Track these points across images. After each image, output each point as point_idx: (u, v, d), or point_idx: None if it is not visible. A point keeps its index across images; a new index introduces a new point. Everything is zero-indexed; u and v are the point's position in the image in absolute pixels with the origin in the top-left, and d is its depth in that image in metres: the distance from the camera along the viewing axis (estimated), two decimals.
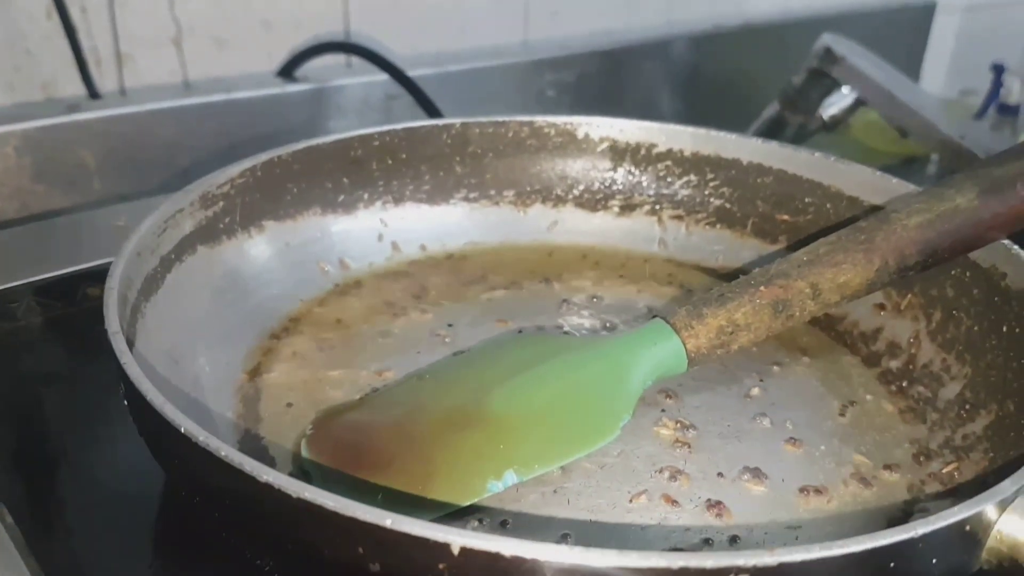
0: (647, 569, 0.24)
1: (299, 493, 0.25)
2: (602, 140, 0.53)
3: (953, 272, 0.42)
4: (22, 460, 0.38)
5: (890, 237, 0.38)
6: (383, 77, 0.69)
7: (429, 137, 0.52)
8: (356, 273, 0.49)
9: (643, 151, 0.53)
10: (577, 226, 0.53)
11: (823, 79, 0.70)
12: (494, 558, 0.24)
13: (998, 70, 0.89)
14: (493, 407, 0.35)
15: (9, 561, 0.30)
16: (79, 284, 0.48)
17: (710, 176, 0.52)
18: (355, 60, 0.72)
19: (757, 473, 0.35)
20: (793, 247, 0.49)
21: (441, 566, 0.24)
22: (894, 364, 0.43)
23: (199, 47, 0.66)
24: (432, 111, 0.68)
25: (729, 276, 0.50)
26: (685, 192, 0.53)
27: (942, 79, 1.08)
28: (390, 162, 0.51)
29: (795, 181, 0.50)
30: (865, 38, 0.75)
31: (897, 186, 0.46)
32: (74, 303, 0.47)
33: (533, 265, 0.51)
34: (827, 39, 0.70)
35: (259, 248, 0.46)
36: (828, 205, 0.48)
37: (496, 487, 0.33)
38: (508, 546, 0.24)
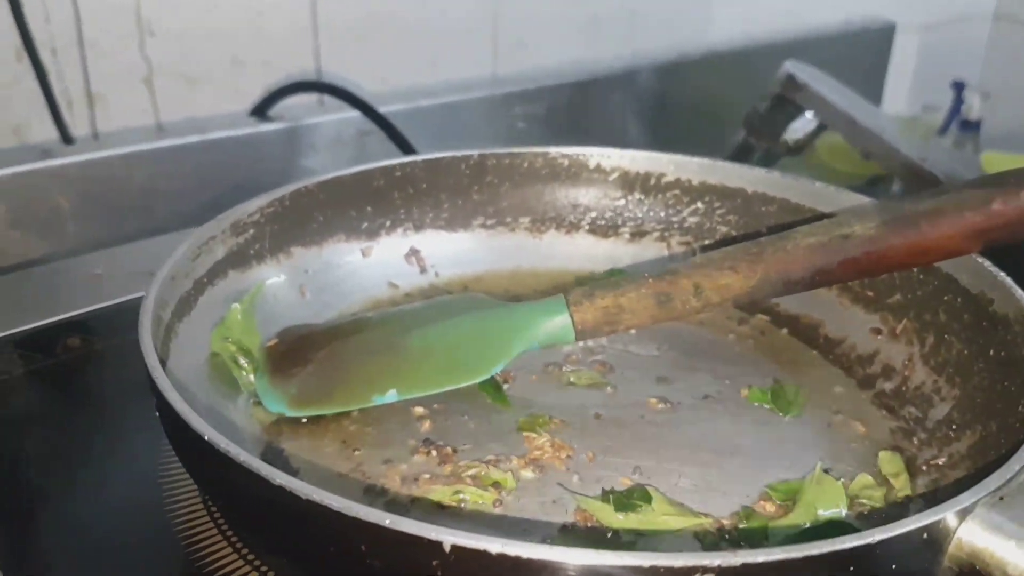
0: (622, 567, 0.26)
1: (308, 495, 0.27)
2: (613, 170, 0.56)
3: (946, 298, 0.44)
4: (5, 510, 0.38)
5: (778, 254, 0.41)
6: (355, 114, 0.69)
7: (449, 168, 0.54)
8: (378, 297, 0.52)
9: (652, 180, 0.55)
10: (589, 251, 0.56)
11: (787, 105, 0.72)
12: (481, 555, 0.26)
13: (958, 87, 0.89)
14: (408, 342, 0.43)
15: None
16: (59, 335, 0.48)
17: (716, 204, 0.54)
18: (327, 98, 0.71)
19: None
20: None
21: (435, 563, 0.27)
22: (888, 386, 0.45)
23: (170, 86, 0.66)
24: (405, 147, 0.68)
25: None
26: (693, 219, 0.55)
27: (905, 96, 1.09)
28: (411, 191, 0.54)
29: (798, 210, 0.52)
30: (828, 61, 0.76)
31: None
32: (53, 355, 0.47)
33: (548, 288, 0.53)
34: (789, 66, 0.72)
35: (286, 273, 0.49)
36: None
37: (379, 400, 0.41)
38: (494, 545, 0.26)
